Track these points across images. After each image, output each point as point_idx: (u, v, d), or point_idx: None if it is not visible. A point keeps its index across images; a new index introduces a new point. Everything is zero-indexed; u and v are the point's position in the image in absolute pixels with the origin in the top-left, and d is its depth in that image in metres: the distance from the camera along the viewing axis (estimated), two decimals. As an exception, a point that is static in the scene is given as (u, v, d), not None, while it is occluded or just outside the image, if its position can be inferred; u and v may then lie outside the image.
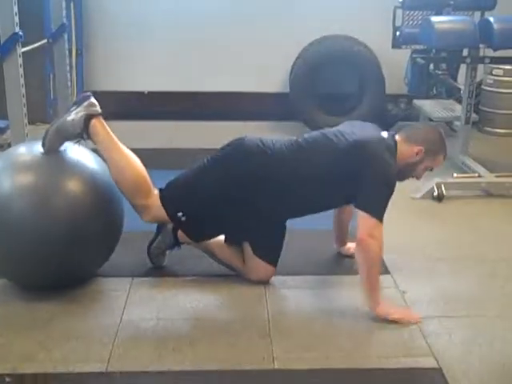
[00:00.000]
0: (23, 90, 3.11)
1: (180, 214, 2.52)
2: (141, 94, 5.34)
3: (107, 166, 2.52)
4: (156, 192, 2.56)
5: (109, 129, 2.53)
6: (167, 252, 2.76)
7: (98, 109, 2.49)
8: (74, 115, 2.45)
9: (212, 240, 2.69)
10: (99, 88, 5.28)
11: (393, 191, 2.43)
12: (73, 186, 2.45)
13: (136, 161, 2.53)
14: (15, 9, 3.02)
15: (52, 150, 2.47)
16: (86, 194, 2.46)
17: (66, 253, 2.41)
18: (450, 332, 2.35)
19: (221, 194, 2.50)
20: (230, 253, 2.69)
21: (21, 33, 3.06)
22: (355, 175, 2.40)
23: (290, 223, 2.68)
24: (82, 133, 2.48)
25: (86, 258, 2.51)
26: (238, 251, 2.67)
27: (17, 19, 3.03)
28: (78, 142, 2.53)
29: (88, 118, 2.45)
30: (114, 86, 5.32)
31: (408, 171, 2.57)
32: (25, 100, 3.13)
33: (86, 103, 2.47)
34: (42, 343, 2.24)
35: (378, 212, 2.37)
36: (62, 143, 2.50)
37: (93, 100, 2.49)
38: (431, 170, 2.62)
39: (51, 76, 5.01)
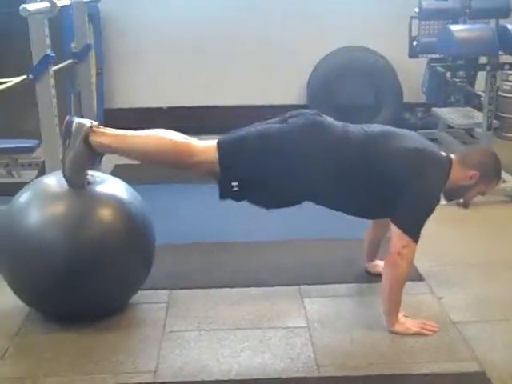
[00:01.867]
0: (55, 110, 3.16)
1: (235, 183, 2.35)
2: (160, 109, 5.40)
3: (139, 158, 2.43)
4: (200, 145, 2.39)
5: (111, 130, 2.41)
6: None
7: (86, 123, 2.37)
8: (73, 147, 2.36)
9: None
10: (118, 105, 5.37)
11: (432, 211, 2.38)
12: (104, 215, 2.41)
13: (161, 132, 2.40)
14: (46, 31, 3.07)
15: (78, 184, 2.42)
16: (117, 223, 2.43)
17: (98, 281, 2.38)
18: (490, 336, 2.38)
19: (285, 163, 2.35)
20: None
21: (52, 54, 3.12)
22: (402, 179, 2.36)
23: (330, 233, 2.64)
24: (93, 154, 2.39)
25: (117, 288, 2.49)
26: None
27: (48, 41, 3.09)
28: (94, 164, 2.44)
29: (85, 139, 2.35)
30: (133, 102, 5.38)
31: (459, 193, 2.56)
32: (57, 120, 3.19)
33: (73, 130, 2.36)
34: (88, 356, 2.28)
35: (413, 231, 2.34)
36: (83, 174, 2.43)
37: (76, 120, 2.38)
38: (483, 194, 2.58)
39: (72, 96, 5.10)
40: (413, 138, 2.48)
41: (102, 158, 2.47)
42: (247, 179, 2.38)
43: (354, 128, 2.48)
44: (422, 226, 2.37)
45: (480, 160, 2.52)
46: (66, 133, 2.39)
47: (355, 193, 2.44)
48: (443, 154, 2.50)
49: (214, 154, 2.36)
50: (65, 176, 2.42)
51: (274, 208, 2.51)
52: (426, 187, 2.37)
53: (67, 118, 2.42)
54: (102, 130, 2.41)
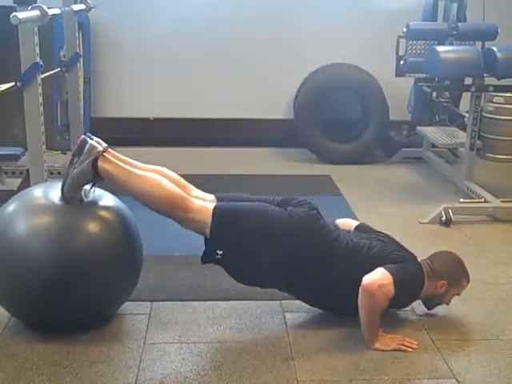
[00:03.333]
0: (42, 118, 3.16)
1: (220, 252, 2.42)
2: (146, 120, 5.41)
3: (134, 197, 2.43)
4: (197, 203, 2.43)
5: (119, 160, 2.45)
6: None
7: (100, 147, 2.40)
8: (80, 165, 2.39)
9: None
10: (105, 115, 5.38)
11: (413, 296, 2.58)
12: (91, 226, 2.41)
13: (161, 179, 2.42)
14: (36, 39, 3.08)
15: (73, 201, 2.43)
16: (105, 235, 2.42)
17: (84, 294, 2.37)
18: (469, 355, 2.40)
19: (273, 248, 2.44)
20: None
21: (41, 62, 3.12)
22: None
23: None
24: (95, 178, 2.41)
25: (104, 299, 2.49)
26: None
27: (37, 49, 3.09)
28: (93, 186, 2.46)
29: (94, 161, 2.38)
30: (120, 112, 5.40)
31: (435, 301, 2.64)
32: (43, 128, 3.18)
33: (86, 149, 2.39)
34: (67, 367, 2.27)
35: (397, 277, 2.39)
36: (80, 192, 2.45)
37: (91, 142, 2.40)
38: (458, 294, 2.66)
39: (58, 104, 5.09)
40: (397, 247, 2.61)
41: (101, 182, 2.48)
42: (232, 252, 2.44)
43: (342, 233, 2.58)
44: (403, 284, 2.41)
45: (444, 269, 2.61)
46: (79, 151, 2.41)
47: (332, 294, 2.52)
48: (420, 263, 2.61)
49: (207, 218, 2.40)
50: (62, 192, 2.42)
51: (247, 284, 2.58)
52: (413, 273, 2.53)
53: (82, 136, 2.45)
54: (111, 157, 2.43)
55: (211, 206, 2.44)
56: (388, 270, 2.40)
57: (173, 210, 2.41)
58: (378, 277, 2.38)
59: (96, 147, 2.40)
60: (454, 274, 2.62)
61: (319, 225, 2.52)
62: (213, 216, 2.40)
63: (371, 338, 2.42)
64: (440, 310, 2.70)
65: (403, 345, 2.43)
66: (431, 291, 2.59)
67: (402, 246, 2.66)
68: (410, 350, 2.41)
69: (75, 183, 2.41)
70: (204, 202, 2.47)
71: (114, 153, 2.48)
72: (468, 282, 2.65)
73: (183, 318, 2.62)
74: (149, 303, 2.72)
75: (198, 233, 2.46)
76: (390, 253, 2.54)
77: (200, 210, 2.42)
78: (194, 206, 2.42)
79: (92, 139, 2.44)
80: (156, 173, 2.48)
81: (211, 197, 2.54)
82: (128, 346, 2.41)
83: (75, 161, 2.41)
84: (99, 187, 2.55)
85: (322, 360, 2.35)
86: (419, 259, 2.64)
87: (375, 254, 2.52)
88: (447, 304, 2.64)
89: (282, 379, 2.23)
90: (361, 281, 2.38)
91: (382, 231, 2.72)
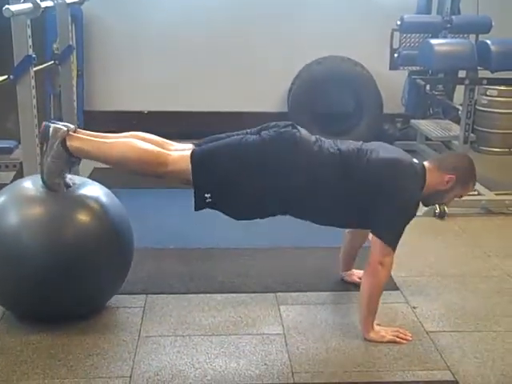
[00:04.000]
0: (35, 111, 3.15)
1: (208, 195, 2.37)
2: (140, 113, 5.39)
3: (112, 165, 2.43)
4: (174, 155, 2.40)
5: (89, 136, 2.43)
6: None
7: (63, 127, 2.38)
8: (50, 151, 2.38)
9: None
10: (99, 108, 5.36)
11: (410, 220, 2.44)
12: (81, 218, 2.41)
13: (132, 141, 2.41)
14: (28, 32, 3.06)
15: (56, 188, 2.42)
16: (95, 226, 2.43)
17: (75, 284, 2.38)
18: (462, 346, 2.41)
19: (256, 176, 2.37)
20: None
21: (34, 55, 3.11)
22: (377, 191, 2.39)
23: (307, 241, 2.67)
24: (70, 159, 2.41)
25: (95, 288, 2.49)
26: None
27: (30, 42, 3.08)
28: (71, 168, 2.47)
29: (62, 143, 2.37)
30: (114, 105, 5.38)
31: (437, 198, 2.60)
32: (36, 121, 3.17)
33: (50, 134, 2.38)
34: (62, 360, 2.27)
35: (391, 240, 2.39)
36: (61, 178, 2.43)
37: (53, 125, 2.39)
38: (460, 197, 2.62)
39: (51, 97, 5.07)
40: (385, 150, 2.51)
41: (79, 162, 2.49)
42: (220, 191, 2.40)
43: (327, 143, 2.49)
44: (401, 234, 2.42)
45: (455, 164, 2.56)
46: (43, 138, 2.40)
47: (328, 206, 2.46)
48: (416, 162, 2.54)
49: (187, 164, 2.37)
50: (43, 180, 2.42)
51: (245, 219, 2.53)
52: (402, 197, 2.40)
53: (44, 123, 2.43)
54: (79, 134, 2.42)
55: (188, 153, 2.41)
56: (384, 240, 2.36)
57: (152, 168, 2.39)
58: (378, 253, 2.37)
59: (60, 128, 2.38)
60: (464, 170, 2.55)
61: (294, 139, 2.41)
62: (191, 162, 2.37)
63: (367, 326, 2.43)
64: (434, 301, 2.71)
65: (397, 336, 2.43)
66: (435, 186, 2.51)
67: (389, 148, 2.57)
68: (404, 341, 2.42)
69: (52, 169, 2.40)
70: (181, 152, 2.43)
71: (83, 131, 2.46)
72: (473, 186, 2.59)
73: (178, 310, 2.62)
74: (143, 296, 2.72)
75: (185, 184, 2.42)
76: (381, 170, 2.41)
77: (178, 160, 2.38)
78: (171, 157, 2.39)
79: (56, 123, 2.42)
80: (129, 137, 2.46)
81: (189, 145, 2.49)
82: (123, 339, 2.41)
83: (45, 148, 2.40)
84: (92, 178, 2.55)
85: (317, 352, 2.35)
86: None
87: (365, 163, 2.42)
88: (446, 204, 2.57)
89: (277, 371, 2.24)
90: (356, 188, 2.37)
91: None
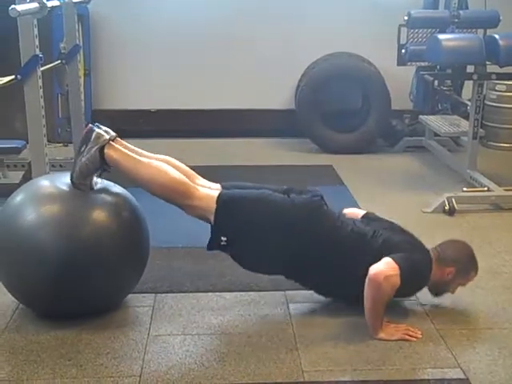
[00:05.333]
0: (43, 111, 3.15)
1: (224, 238, 2.44)
2: (148, 112, 5.40)
3: (140, 184, 2.47)
4: (201, 191, 2.46)
5: (126, 148, 2.49)
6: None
7: (106, 136, 2.44)
8: (87, 153, 2.43)
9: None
10: (106, 107, 5.36)
11: (419, 284, 2.55)
12: (98, 217, 2.45)
13: (166, 167, 2.46)
14: (35, 31, 3.06)
15: (81, 187, 2.46)
16: (112, 225, 2.46)
17: (91, 282, 2.42)
18: (473, 344, 2.40)
19: (275, 234, 2.45)
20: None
21: (41, 55, 3.11)
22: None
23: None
24: (102, 165, 2.45)
25: (112, 286, 2.52)
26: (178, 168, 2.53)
27: (37, 42, 3.08)
28: (101, 174, 2.51)
29: (101, 150, 2.42)
30: (121, 104, 5.38)
31: (441, 288, 2.62)
32: (44, 121, 3.17)
33: (92, 137, 2.43)
34: (72, 359, 2.27)
35: (404, 268, 2.37)
36: (89, 180, 2.48)
37: (98, 130, 2.45)
38: (464, 285, 2.64)
39: (59, 96, 5.08)
40: (403, 234, 2.61)
41: (110, 170, 2.52)
42: (237, 237, 2.45)
43: (347, 220, 2.58)
44: (411, 272, 2.41)
45: (454, 256, 2.60)
46: (85, 139, 2.45)
47: (333, 280, 2.52)
48: (428, 250, 2.59)
49: (212, 205, 2.43)
50: (72, 178, 2.46)
51: (253, 271, 2.59)
52: (420, 261, 2.50)
53: (89, 125, 2.49)
54: (118, 145, 2.47)
55: (216, 193, 2.47)
56: (395, 261, 2.39)
57: (177, 197, 2.44)
58: (384, 267, 2.36)
59: (102, 135, 2.44)
60: (463, 262, 2.59)
61: (322, 211, 2.52)
62: (217, 203, 2.43)
63: (375, 328, 2.42)
64: (444, 299, 2.70)
65: (407, 334, 2.42)
66: (437, 278, 2.56)
67: (409, 233, 2.64)
68: (414, 339, 2.41)
69: (83, 170, 2.44)
70: (209, 190, 2.50)
71: (122, 142, 2.52)
72: (476, 274, 2.63)
73: (187, 309, 2.62)
74: (153, 295, 2.72)
75: (202, 220, 2.48)
76: (397, 242, 2.53)
77: (204, 197, 2.45)
78: (198, 193, 2.45)
79: (100, 128, 2.48)
80: (162, 161, 2.51)
81: (217, 185, 2.57)
82: (132, 338, 2.41)
83: (83, 149, 2.45)
84: (107, 179, 2.57)
85: (327, 350, 2.35)
86: (428, 247, 2.62)
87: (380, 241, 2.51)
88: (452, 293, 2.63)
89: (286, 370, 2.23)
90: (365, 267, 2.37)
91: (389, 219, 2.71)
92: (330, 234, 2.50)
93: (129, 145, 2.54)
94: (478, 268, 2.63)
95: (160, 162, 2.50)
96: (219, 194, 2.46)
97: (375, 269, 2.36)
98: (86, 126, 2.53)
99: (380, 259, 2.41)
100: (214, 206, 2.43)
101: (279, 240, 2.45)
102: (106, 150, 2.43)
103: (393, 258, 2.40)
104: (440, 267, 2.56)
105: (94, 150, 2.42)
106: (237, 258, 2.53)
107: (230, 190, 2.53)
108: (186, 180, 2.47)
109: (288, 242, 2.46)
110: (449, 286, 2.61)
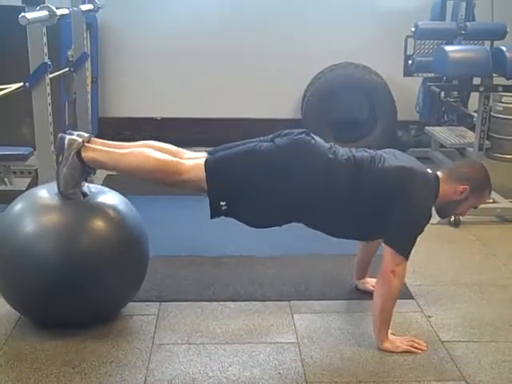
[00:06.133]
0: (50, 118, 3.16)
1: (223, 203, 2.38)
2: (153, 120, 5.41)
3: (127, 175, 2.47)
4: (188, 163, 2.40)
5: (103, 145, 2.46)
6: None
7: (78, 139, 2.41)
8: (66, 161, 2.40)
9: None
10: (113, 114, 5.38)
11: (423, 230, 2.42)
12: (97, 225, 2.43)
13: (146, 151, 2.42)
14: (44, 39, 3.08)
15: (73, 198, 2.44)
16: (111, 234, 2.44)
17: (90, 292, 2.39)
18: (478, 356, 2.39)
19: (270, 183, 2.37)
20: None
21: (49, 62, 3.12)
22: (389, 201, 2.38)
23: (320, 249, 2.65)
24: (85, 169, 2.43)
25: (110, 296, 2.50)
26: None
27: (46, 49, 3.09)
28: (87, 178, 2.49)
29: (78, 154, 2.39)
30: (128, 112, 5.40)
31: (451, 209, 2.55)
32: (52, 128, 3.18)
33: (66, 145, 2.40)
34: (76, 367, 2.27)
35: (404, 250, 2.37)
36: (77, 188, 2.45)
37: (69, 137, 2.41)
38: (475, 207, 2.57)
39: (66, 103, 5.10)
40: (399, 159, 2.50)
41: (95, 172, 2.53)
42: (235, 198, 2.40)
43: (341, 150, 2.48)
44: (413, 244, 2.40)
45: (469, 173, 2.52)
46: (60, 149, 2.43)
47: (341, 214, 2.45)
48: (430, 171, 2.51)
49: (201, 173, 2.38)
50: (59, 190, 2.44)
51: (261, 227, 2.52)
52: (415, 206, 2.38)
53: (59, 135, 2.46)
54: (93, 145, 2.44)
55: (202, 160, 2.42)
56: (397, 250, 2.34)
57: (166, 177, 2.40)
58: (391, 265, 2.34)
59: (75, 140, 2.41)
60: (478, 180, 2.50)
61: (309, 146, 2.41)
62: (205, 169, 2.38)
63: (381, 336, 2.41)
64: (449, 311, 2.69)
65: (412, 346, 2.42)
66: (448, 196, 2.48)
67: (404, 156, 2.55)
68: (419, 351, 2.40)
69: (68, 179, 2.42)
70: (195, 160, 2.44)
71: (98, 140, 2.49)
72: (490, 194, 2.52)
73: (191, 318, 2.62)
74: (157, 304, 2.72)
75: (199, 192, 2.42)
76: (395, 169, 2.41)
77: (192, 169, 2.39)
78: (185, 166, 2.40)
79: (72, 134, 2.44)
80: (143, 146, 2.48)
81: (203, 153, 2.50)
82: (136, 347, 2.41)
83: (60, 159, 2.43)
84: (107, 186, 2.57)
85: (331, 362, 2.34)
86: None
87: (379, 167, 2.42)
88: (462, 215, 2.51)
89: (290, 380, 2.23)
90: (370, 196, 2.35)
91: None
92: (326, 166, 2.40)
93: (106, 141, 2.50)
94: (491, 190, 2.53)
95: (140, 147, 2.46)
96: (205, 161, 2.40)
97: (383, 269, 2.35)
98: (61, 133, 2.49)
99: (381, 185, 2.37)
100: (204, 173, 2.37)
101: (276, 187, 2.38)
102: (83, 154, 2.40)
103: (394, 247, 2.34)
104: (452, 185, 2.47)
105: (71, 156, 2.39)
106: (242, 219, 2.46)
107: (215, 154, 2.47)
108: (171, 158, 2.41)
109: (285, 186, 2.38)
110: (459, 207, 2.52)
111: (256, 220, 2.48)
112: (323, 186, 2.40)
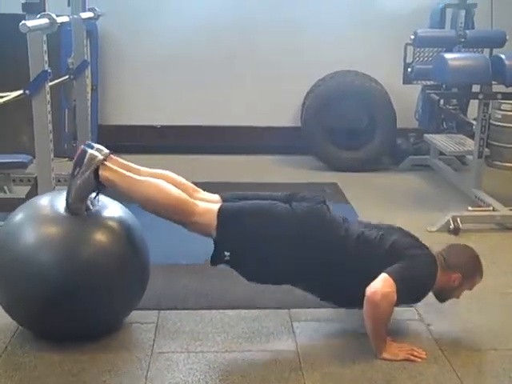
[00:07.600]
0: (50, 126, 3.16)
1: (227, 253, 2.40)
2: (153, 128, 5.42)
3: (138, 203, 2.42)
4: (201, 206, 2.41)
5: (121, 166, 2.43)
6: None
7: (100, 156, 2.38)
8: (82, 176, 2.37)
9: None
10: (113, 122, 5.39)
11: (420, 295, 2.51)
12: (98, 236, 2.41)
13: (163, 184, 2.40)
14: (45, 47, 3.09)
15: (79, 211, 2.42)
16: (112, 244, 2.42)
17: (92, 304, 2.37)
18: (478, 365, 2.38)
19: (279, 246, 2.42)
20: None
21: (49, 70, 3.13)
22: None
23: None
24: (98, 187, 2.41)
25: (112, 308, 2.49)
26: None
27: (46, 57, 3.10)
28: (97, 195, 2.47)
29: (95, 171, 2.37)
30: (127, 120, 5.41)
31: (447, 294, 2.59)
32: (51, 136, 3.19)
33: (86, 160, 2.37)
34: (75, 376, 2.26)
35: (402, 283, 2.33)
36: (85, 202, 2.43)
37: (91, 151, 2.38)
38: (470, 289, 2.62)
39: (66, 111, 5.10)
40: (407, 237, 2.57)
41: (105, 190, 2.47)
42: (241, 252, 2.42)
43: (352, 227, 2.53)
44: (408, 290, 2.38)
45: (459, 261, 2.56)
46: (78, 162, 2.39)
47: (343, 287, 2.47)
48: (433, 255, 2.55)
49: (213, 220, 2.39)
50: (67, 203, 2.41)
51: (259, 283, 2.56)
52: (421, 269, 2.45)
53: (82, 146, 2.43)
54: (112, 165, 2.41)
55: (216, 207, 2.42)
56: (391, 276, 2.34)
57: (177, 215, 2.40)
58: (380, 285, 2.33)
59: (96, 156, 2.38)
60: (469, 267, 2.56)
61: (325, 219, 2.48)
62: (218, 218, 2.39)
63: (379, 347, 2.40)
64: (449, 319, 2.68)
65: (412, 355, 2.41)
66: (443, 284, 2.52)
67: (413, 236, 2.60)
68: (418, 360, 2.39)
69: (79, 194, 2.40)
70: (208, 204, 2.45)
71: (117, 158, 2.46)
72: (481, 277, 2.59)
73: (191, 326, 2.61)
74: (156, 312, 2.72)
75: (204, 235, 2.45)
76: (404, 245, 2.48)
77: (205, 213, 2.40)
78: (198, 209, 2.40)
79: (92, 147, 2.42)
80: (159, 177, 2.46)
81: (216, 197, 2.52)
82: (135, 355, 2.40)
83: (76, 172, 2.39)
84: (105, 195, 2.56)
85: (331, 370, 2.33)
86: (433, 251, 2.58)
87: (388, 245, 2.46)
88: (457, 298, 2.58)
89: (290, 389, 2.23)
90: (372, 274, 2.35)
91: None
92: (337, 241, 2.45)
93: (124, 161, 2.48)
94: (482, 271, 2.59)
95: (157, 179, 2.44)
96: (219, 209, 2.41)
97: (372, 288, 2.33)
98: (84, 144, 2.47)
99: (388, 263, 2.40)
100: (215, 221, 2.38)
101: (284, 252, 2.42)
102: (100, 172, 2.37)
103: (389, 274, 2.35)
104: (445, 273, 2.52)
105: (88, 172, 2.36)
106: (241, 272, 2.50)
107: (229, 201, 2.49)
108: (186, 197, 2.41)
109: (293, 252, 2.42)
110: (454, 292, 2.57)
111: (256, 276, 2.51)
112: (328, 259, 2.43)
